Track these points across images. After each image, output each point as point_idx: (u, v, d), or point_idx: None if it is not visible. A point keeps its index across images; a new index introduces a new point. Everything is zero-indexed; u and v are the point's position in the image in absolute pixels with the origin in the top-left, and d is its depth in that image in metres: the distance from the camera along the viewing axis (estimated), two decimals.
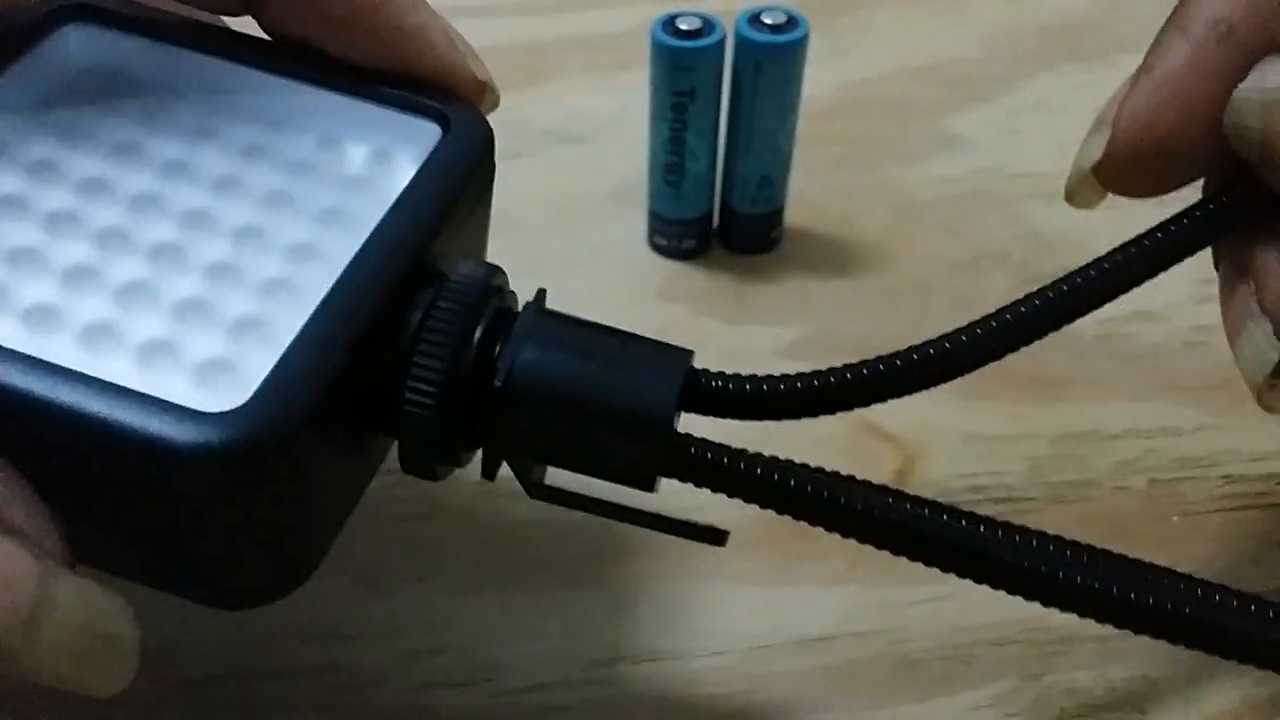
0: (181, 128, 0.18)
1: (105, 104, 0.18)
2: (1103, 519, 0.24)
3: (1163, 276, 0.31)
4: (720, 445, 0.17)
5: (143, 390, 0.14)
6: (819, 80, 0.31)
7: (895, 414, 0.26)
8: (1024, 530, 0.17)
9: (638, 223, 0.30)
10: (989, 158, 0.33)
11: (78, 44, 0.18)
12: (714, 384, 0.17)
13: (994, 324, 0.19)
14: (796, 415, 0.18)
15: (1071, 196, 0.21)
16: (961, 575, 0.17)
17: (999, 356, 0.19)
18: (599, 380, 0.16)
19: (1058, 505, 0.25)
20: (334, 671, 0.22)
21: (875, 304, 0.29)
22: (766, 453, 0.17)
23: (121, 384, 0.14)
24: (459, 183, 0.18)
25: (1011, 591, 0.17)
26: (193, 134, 0.18)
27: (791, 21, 0.27)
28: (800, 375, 0.18)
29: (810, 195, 0.31)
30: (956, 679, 0.22)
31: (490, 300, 0.17)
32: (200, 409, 0.14)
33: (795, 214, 0.31)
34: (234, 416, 0.14)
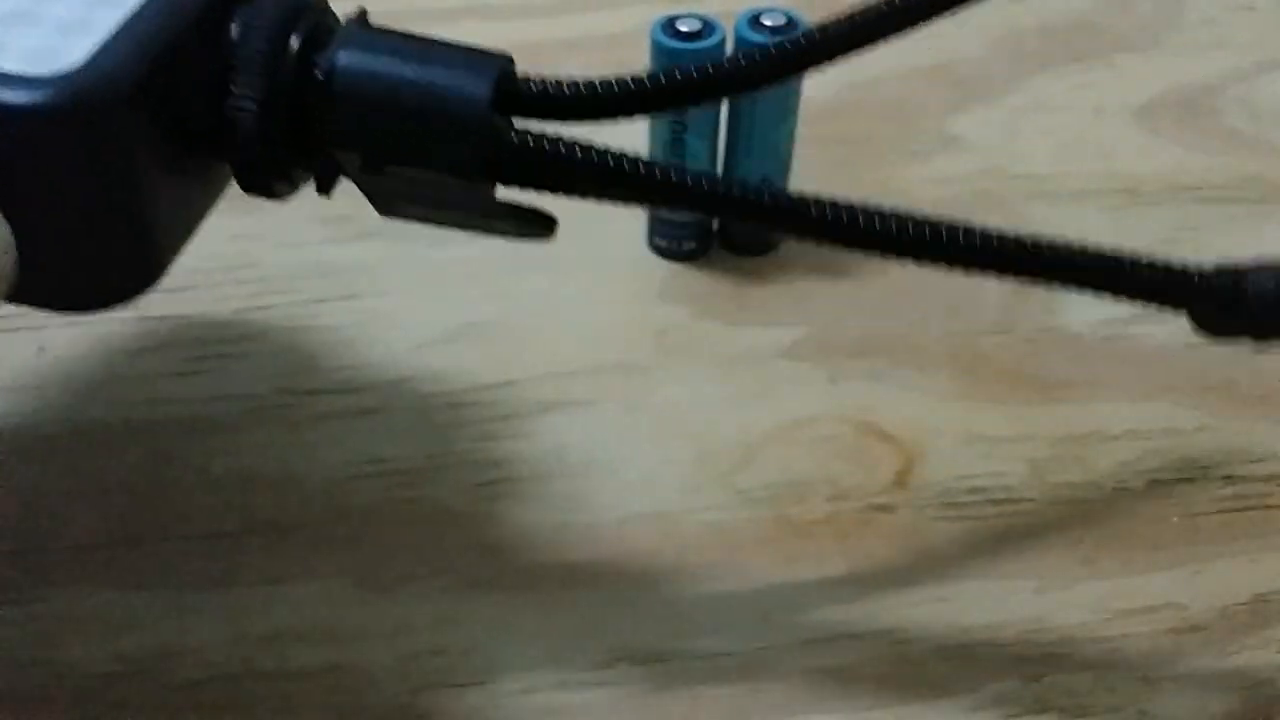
0: None
1: None
2: (1103, 519, 0.24)
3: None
4: (552, 136, 0.17)
5: None
6: (819, 80, 0.30)
7: (895, 414, 0.26)
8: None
9: (638, 224, 0.30)
10: (989, 158, 0.33)
11: None
12: (534, 87, 0.18)
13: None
14: (617, 115, 0.18)
15: None
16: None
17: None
18: (418, 75, 0.17)
19: (1058, 506, 0.25)
20: (334, 672, 0.22)
21: (875, 304, 0.29)
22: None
23: None
24: None
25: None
26: None
27: (791, 23, 0.27)
28: (622, 77, 0.18)
29: None
30: (956, 679, 0.22)
31: (307, 12, 0.17)
32: (30, 75, 0.15)
33: None
34: (66, 78, 0.15)
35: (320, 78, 0.17)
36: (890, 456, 0.25)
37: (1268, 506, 0.25)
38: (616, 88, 0.18)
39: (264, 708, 0.21)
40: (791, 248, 0.31)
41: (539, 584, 0.23)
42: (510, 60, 0.18)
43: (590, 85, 0.18)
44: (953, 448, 0.26)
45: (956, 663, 0.22)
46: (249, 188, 0.18)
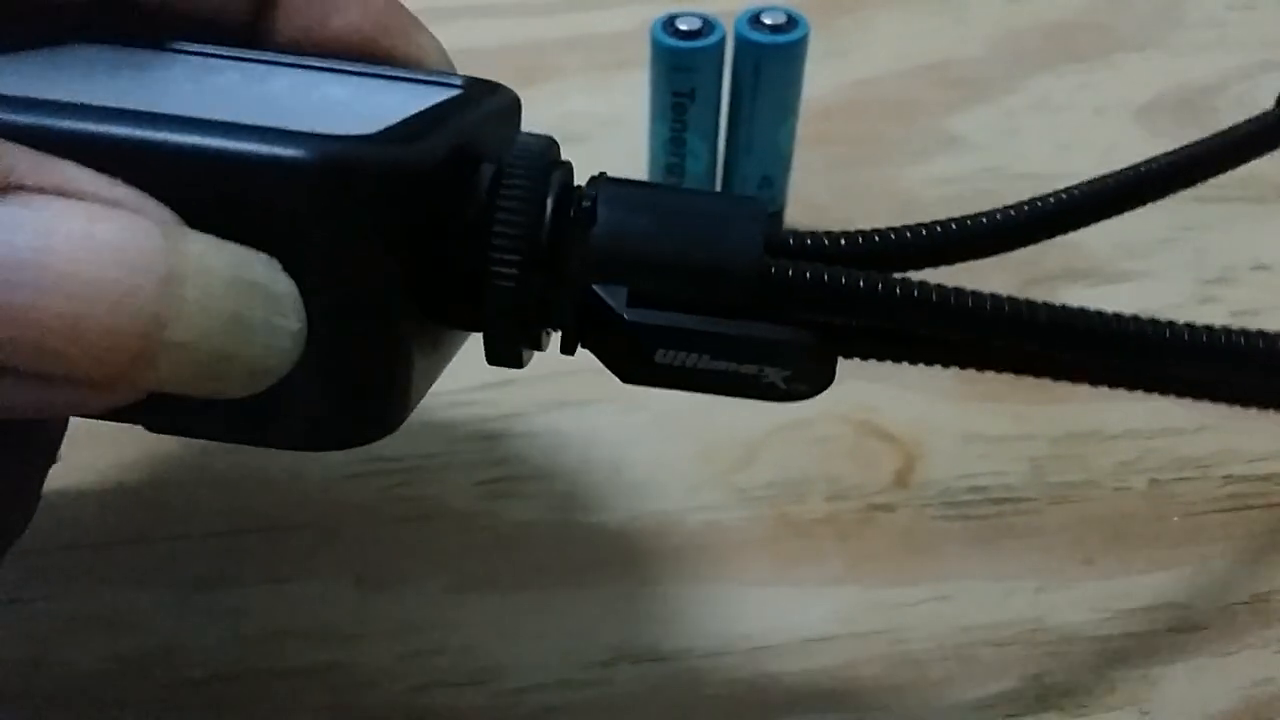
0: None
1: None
2: (1103, 519, 0.24)
3: (1164, 277, 0.31)
4: (814, 265, 0.16)
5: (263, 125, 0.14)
6: (819, 80, 0.30)
7: (896, 414, 0.26)
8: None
9: None
10: (989, 158, 0.33)
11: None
12: (790, 241, 0.17)
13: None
14: (872, 267, 0.17)
15: None
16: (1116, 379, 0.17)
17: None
18: (682, 236, 0.16)
19: (1058, 505, 0.25)
20: (334, 671, 0.22)
21: None
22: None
23: (237, 121, 0.14)
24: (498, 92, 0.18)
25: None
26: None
27: (791, 22, 0.27)
28: (879, 230, 0.18)
29: (810, 195, 0.31)
30: (957, 679, 0.22)
31: (556, 168, 0.16)
32: (326, 132, 0.14)
33: (795, 214, 0.31)
34: (364, 139, 0.14)
35: (584, 238, 0.16)
36: (890, 456, 0.25)
37: (1268, 506, 0.25)
38: (878, 239, 0.17)
39: (264, 707, 0.21)
40: None
41: (539, 584, 0.23)
42: (767, 207, 0.17)
43: (850, 237, 0.17)
44: (953, 447, 0.26)
45: (956, 663, 0.22)
46: (497, 352, 0.16)
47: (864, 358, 0.17)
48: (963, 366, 0.18)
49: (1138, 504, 0.25)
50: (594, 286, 0.16)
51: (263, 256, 0.13)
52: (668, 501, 0.24)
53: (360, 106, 0.16)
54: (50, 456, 0.18)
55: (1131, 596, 0.23)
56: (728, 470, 0.25)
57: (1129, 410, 0.26)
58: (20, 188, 0.12)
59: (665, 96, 0.27)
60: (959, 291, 0.17)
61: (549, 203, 0.16)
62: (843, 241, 0.17)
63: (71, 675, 0.21)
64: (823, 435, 0.26)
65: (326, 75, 0.17)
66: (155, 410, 0.14)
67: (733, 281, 0.16)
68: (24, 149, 0.12)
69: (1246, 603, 0.23)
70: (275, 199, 0.13)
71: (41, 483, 0.18)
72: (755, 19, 0.27)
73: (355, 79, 0.17)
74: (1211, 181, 0.34)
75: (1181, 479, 0.25)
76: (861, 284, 0.16)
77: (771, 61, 0.27)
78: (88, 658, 0.21)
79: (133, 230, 0.12)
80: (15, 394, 0.12)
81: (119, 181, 0.12)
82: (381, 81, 0.17)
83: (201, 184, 0.13)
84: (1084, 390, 0.26)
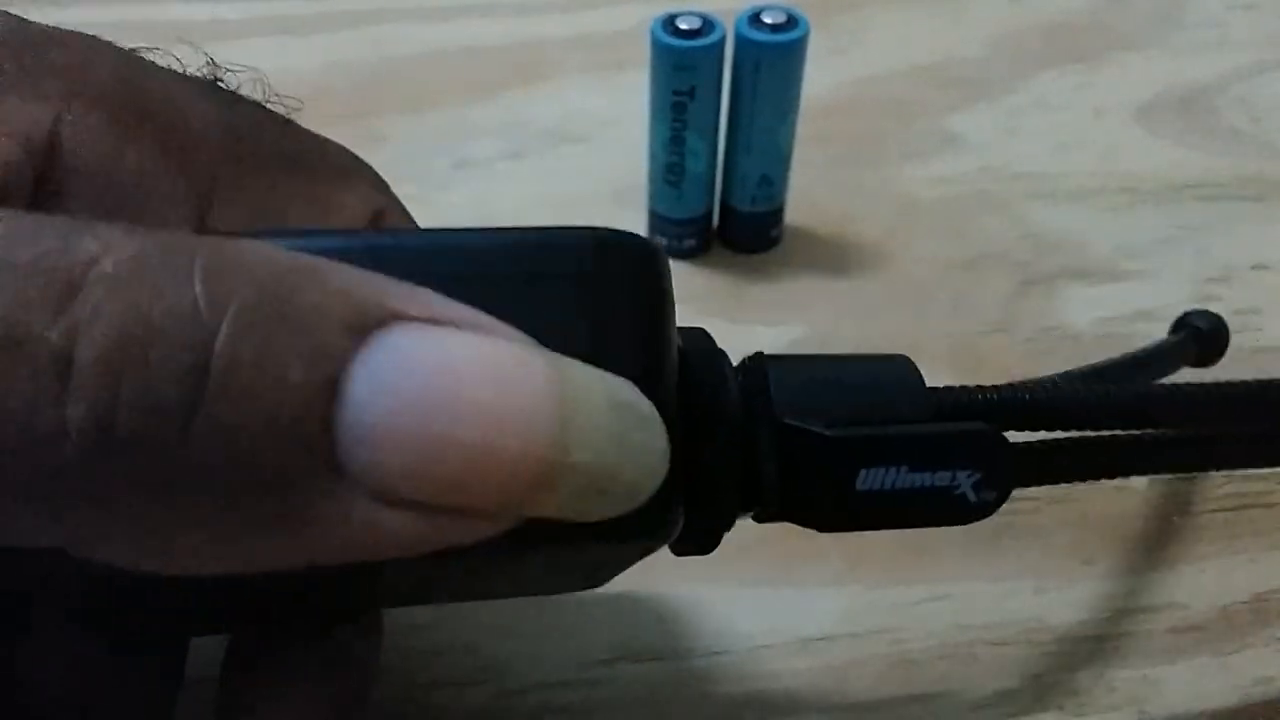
0: None
1: None
2: (1103, 520, 0.24)
3: (1164, 276, 0.31)
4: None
5: None
6: (819, 80, 0.30)
7: None
8: None
9: (638, 222, 0.30)
10: (989, 158, 0.33)
11: None
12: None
13: None
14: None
15: None
16: None
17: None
18: (850, 375, 0.17)
19: (1058, 505, 0.24)
20: None
21: (875, 304, 0.29)
22: None
23: None
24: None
25: None
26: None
27: (791, 21, 0.27)
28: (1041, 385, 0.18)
29: (810, 195, 0.31)
30: (956, 679, 0.22)
31: (724, 358, 0.17)
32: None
33: (795, 213, 0.31)
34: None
35: (766, 403, 0.16)
36: None
37: (1268, 506, 0.25)
38: (1029, 397, 0.18)
39: None
40: (791, 247, 0.31)
41: None
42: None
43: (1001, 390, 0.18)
44: None
45: (956, 663, 0.22)
46: (693, 539, 0.17)
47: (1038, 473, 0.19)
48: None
49: (1138, 504, 0.25)
50: (788, 420, 0.16)
51: (625, 380, 0.13)
52: None
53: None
54: (178, 681, 0.18)
55: (1131, 596, 0.23)
56: None
57: None
58: (401, 317, 0.11)
59: (665, 96, 0.27)
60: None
61: (732, 380, 0.16)
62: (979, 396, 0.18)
63: None
64: None
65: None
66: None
67: (912, 404, 0.17)
68: (388, 277, 0.12)
69: (1246, 603, 0.23)
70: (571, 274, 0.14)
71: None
72: (755, 18, 0.27)
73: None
74: (1211, 181, 0.34)
75: (1182, 479, 0.25)
76: (1027, 394, 0.18)
77: (771, 60, 0.27)
78: None
79: (523, 356, 0.12)
80: (410, 528, 0.12)
81: (475, 308, 0.12)
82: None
83: (503, 272, 0.14)
84: None
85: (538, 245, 0.14)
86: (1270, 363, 0.27)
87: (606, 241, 0.14)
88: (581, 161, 0.33)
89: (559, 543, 0.14)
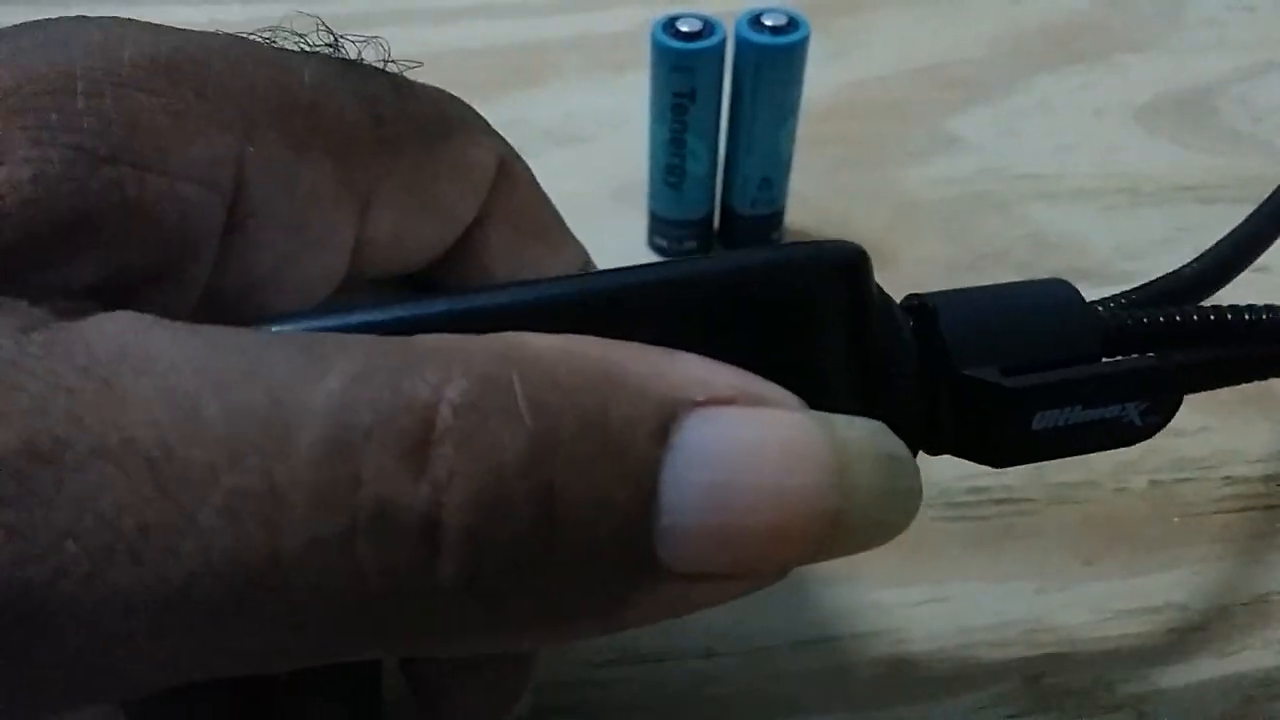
0: None
1: None
2: (1103, 520, 0.24)
3: None
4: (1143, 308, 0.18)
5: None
6: (819, 81, 0.31)
7: None
8: None
9: (638, 224, 0.30)
10: (989, 158, 0.33)
11: None
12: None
13: None
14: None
15: None
16: None
17: None
18: (1015, 310, 0.17)
19: (1059, 506, 0.25)
20: None
21: None
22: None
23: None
24: None
25: None
26: None
27: (792, 23, 0.27)
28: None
29: (810, 196, 0.31)
30: (956, 679, 0.22)
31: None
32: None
33: (795, 214, 0.31)
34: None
35: (938, 341, 0.16)
36: None
37: (1267, 506, 0.25)
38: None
39: None
40: None
41: None
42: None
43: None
44: None
45: (956, 663, 0.22)
46: None
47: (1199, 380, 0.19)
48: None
49: (1138, 504, 0.25)
50: (967, 372, 0.16)
51: (881, 425, 0.13)
52: None
53: None
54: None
55: (1131, 596, 0.23)
56: None
57: None
58: (693, 406, 0.12)
59: (665, 97, 0.27)
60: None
61: (905, 321, 0.17)
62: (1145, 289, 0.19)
63: None
64: None
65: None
66: None
67: (1081, 335, 0.17)
68: (668, 356, 0.13)
69: (1246, 603, 0.23)
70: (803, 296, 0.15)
71: None
72: (755, 20, 0.27)
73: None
74: (1211, 182, 0.34)
75: (1181, 479, 0.25)
76: (1191, 315, 0.18)
77: (772, 63, 0.27)
78: None
79: (799, 429, 0.13)
80: (705, 596, 0.13)
81: (737, 369, 0.13)
82: None
83: (726, 308, 0.14)
84: None
85: (754, 273, 0.14)
86: None
87: (819, 259, 0.15)
88: (582, 163, 0.33)
89: None
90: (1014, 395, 0.16)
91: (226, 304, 0.15)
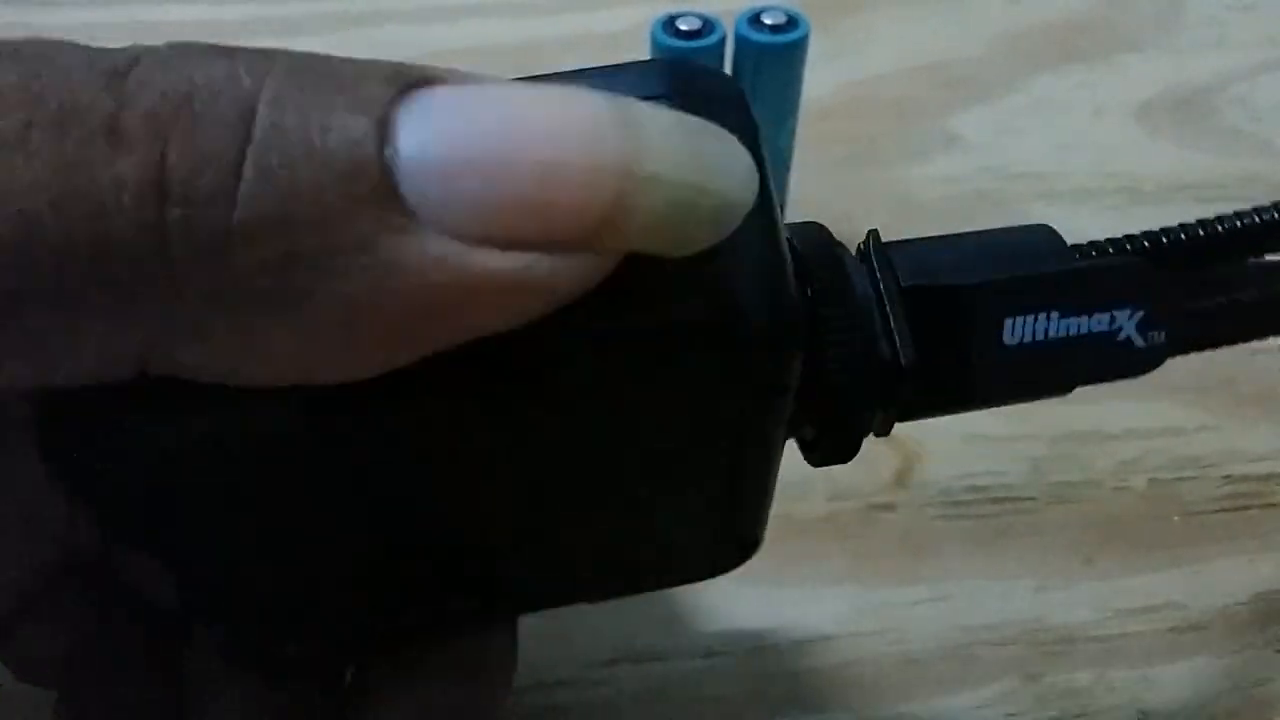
0: None
1: None
2: (1103, 519, 0.24)
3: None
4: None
5: None
6: (819, 80, 0.30)
7: None
8: None
9: None
10: (989, 158, 0.33)
11: None
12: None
13: None
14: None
15: None
16: None
17: None
18: (980, 244, 0.15)
19: (1058, 505, 0.25)
20: None
21: None
22: None
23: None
24: None
25: None
26: None
27: (792, 22, 0.27)
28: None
29: (810, 195, 0.31)
30: (956, 679, 0.22)
31: (837, 248, 0.16)
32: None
33: (795, 214, 0.31)
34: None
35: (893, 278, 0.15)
36: (890, 456, 0.25)
37: (1267, 506, 0.25)
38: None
39: None
40: None
41: None
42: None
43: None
44: (953, 447, 0.26)
45: (956, 663, 0.22)
46: (834, 447, 0.16)
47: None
48: None
49: (1138, 504, 0.25)
50: (916, 282, 0.15)
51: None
52: None
53: None
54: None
55: (1131, 596, 0.23)
56: None
57: (1129, 410, 0.26)
58: (441, 81, 0.11)
59: None
60: None
61: (854, 284, 0.15)
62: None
63: None
64: None
65: None
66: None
67: (1054, 255, 0.15)
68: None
69: (1246, 603, 0.23)
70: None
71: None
72: (755, 19, 0.27)
73: None
74: (1211, 181, 0.34)
75: (1181, 479, 0.25)
76: (1179, 230, 0.16)
77: (771, 61, 0.27)
78: None
79: (582, 91, 0.12)
80: (493, 265, 0.11)
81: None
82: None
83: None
84: (1084, 390, 0.26)
85: (613, 75, 0.13)
86: (1270, 364, 0.27)
87: (693, 71, 0.13)
88: None
89: (660, 363, 0.13)
90: (971, 295, 0.15)
91: None
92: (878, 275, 0.15)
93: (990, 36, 0.38)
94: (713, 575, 0.16)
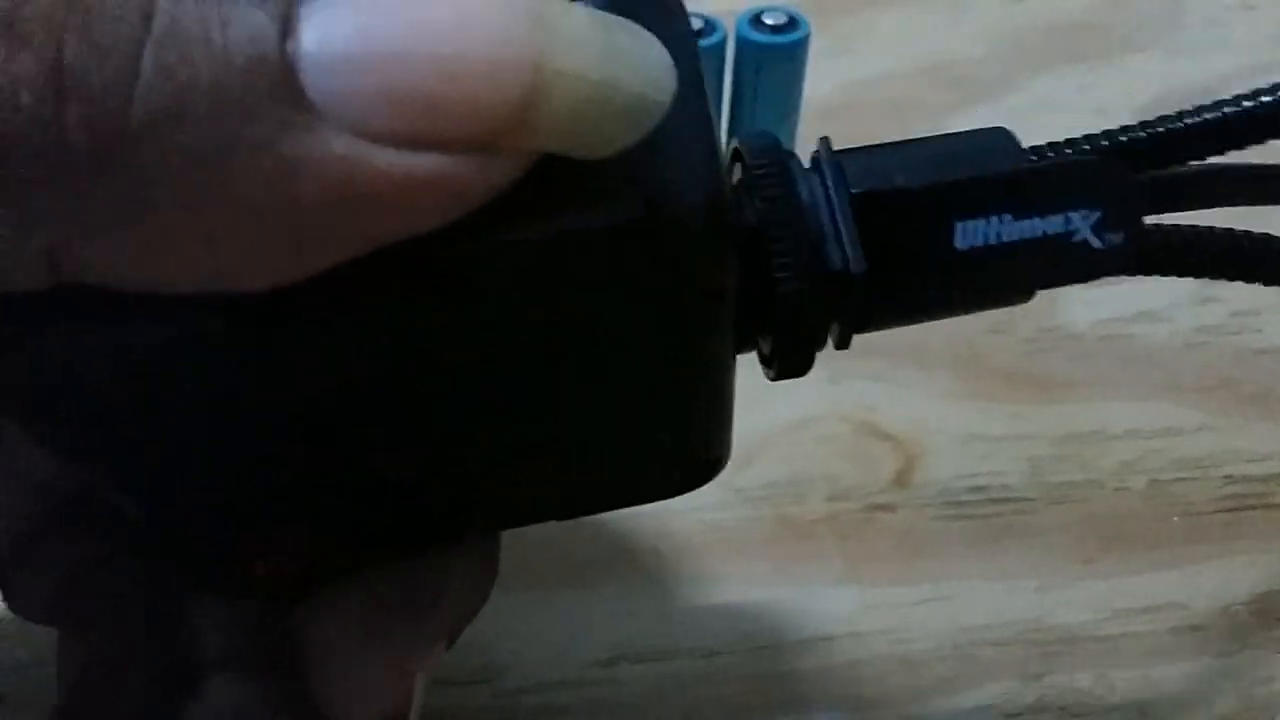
0: None
1: None
2: (1103, 519, 0.24)
3: (1165, 277, 0.30)
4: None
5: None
6: (819, 80, 0.30)
7: (895, 414, 0.26)
8: None
9: None
10: None
11: None
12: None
13: None
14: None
15: None
16: None
17: None
18: (932, 152, 0.15)
19: (1058, 505, 0.25)
20: None
21: None
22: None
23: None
24: None
25: None
26: None
27: (792, 22, 0.27)
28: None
29: None
30: (956, 679, 0.22)
31: (786, 154, 0.15)
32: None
33: None
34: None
35: (842, 186, 0.15)
36: (890, 456, 0.25)
37: (1268, 506, 0.25)
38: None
39: None
40: None
41: (540, 584, 0.23)
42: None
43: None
44: (953, 447, 0.26)
45: (956, 662, 0.22)
46: (788, 361, 0.15)
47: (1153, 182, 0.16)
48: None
49: (1138, 504, 0.25)
50: (864, 187, 0.14)
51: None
52: (667, 502, 0.24)
53: None
54: None
55: (1131, 596, 0.23)
56: (727, 471, 0.25)
57: (1129, 410, 0.26)
58: None
59: None
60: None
61: (801, 191, 0.15)
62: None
63: None
64: (822, 435, 0.26)
65: None
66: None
67: (1007, 156, 0.15)
68: None
69: (1246, 603, 0.23)
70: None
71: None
72: (756, 19, 0.27)
73: None
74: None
75: (1181, 479, 0.25)
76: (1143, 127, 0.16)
77: (772, 62, 0.27)
78: None
79: None
80: (400, 164, 0.11)
81: None
82: None
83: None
84: (1084, 390, 0.26)
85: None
86: (1270, 364, 0.27)
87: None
88: None
89: (590, 265, 0.13)
90: (920, 197, 0.14)
91: None
92: (827, 181, 0.15)
93: (990, 36, 0.38)
94: (677, 494, 0.16)
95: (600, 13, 0.12)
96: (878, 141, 0.16)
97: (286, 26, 0.11)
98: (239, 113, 0.11)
